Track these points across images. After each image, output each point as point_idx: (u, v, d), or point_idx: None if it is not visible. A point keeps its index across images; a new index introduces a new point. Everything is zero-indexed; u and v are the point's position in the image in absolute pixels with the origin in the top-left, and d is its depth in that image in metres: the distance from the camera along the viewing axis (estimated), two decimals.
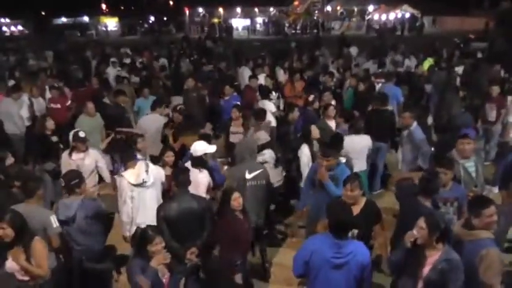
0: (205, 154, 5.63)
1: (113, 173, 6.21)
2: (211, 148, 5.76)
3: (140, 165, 5.28)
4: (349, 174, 5.09)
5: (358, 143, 6.63)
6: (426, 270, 3.64)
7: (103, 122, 8.19)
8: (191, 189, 4.88)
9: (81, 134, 6.29)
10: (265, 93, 9.45)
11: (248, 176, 5.36)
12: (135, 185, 5.15)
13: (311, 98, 8.69)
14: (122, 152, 5.44)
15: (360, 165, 6.67)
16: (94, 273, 4.91)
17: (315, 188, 5.48)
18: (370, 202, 4.53)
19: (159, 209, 4.61)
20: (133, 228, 4.96)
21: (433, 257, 3.64)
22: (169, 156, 5.95)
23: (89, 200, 4.96)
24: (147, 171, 5.22)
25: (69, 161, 6.23)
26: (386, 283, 4.63)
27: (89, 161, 6.32)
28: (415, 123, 6.74)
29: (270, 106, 8.93)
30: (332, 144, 5.96)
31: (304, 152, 6.26)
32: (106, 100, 9.49)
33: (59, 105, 9.56)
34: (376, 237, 4.48)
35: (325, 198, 4.90)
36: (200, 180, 5.47)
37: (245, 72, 12.34)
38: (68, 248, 4.81)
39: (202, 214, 4.64)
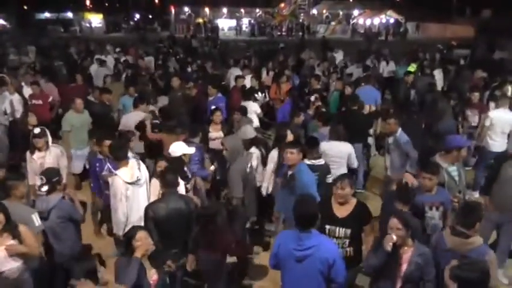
0: (184, 155, 5.58)
1: (101, 171, 6.07)
2: (190, 150, 5.67)
3: (132, 162, 5.24)
4: (311, 177, 5.17)
5: (338, 150, 6.48)
6: (403, 267, 3.76)
7: (90, 119, 8.13)
8: None
9: (36, 131, 6.18)
10: (248, 94, 9.43)
11: (248, 169, 5.50)
12: (129, 183, 5.10)
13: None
14: (116, 148, 5.32)
15: (342, 170, 6.46)
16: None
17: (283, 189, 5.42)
18: (361, 203, 4.54)
19: (147, 209, 4.59)
20: (128, 227, 4.86)
21: (407, 253, 3.77)
22: (162, 166, 5.78)
23: (67, 201, 4.88)
24: (139, 168, 5.19)
25: (31, 159, 6.15)
26: None
27: (51, 159, 6.20)
28: (399, 130, 6.78)
29: (254, 107, 8.94)
30: (308, 144, 5.96)
31: (273, 156, 6.11)
32: (91, 98, 9.38)
33: (40, 101, 9.44)
34: (366, 238, 4.47)
35: (289, 197, 4.92)
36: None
37: (235, 73, 12.31)
38: (50, 245, 4.75)
39: (190, 215, 4.60)
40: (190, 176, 5.66)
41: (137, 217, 5.05)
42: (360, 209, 4.44)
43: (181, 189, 5.22)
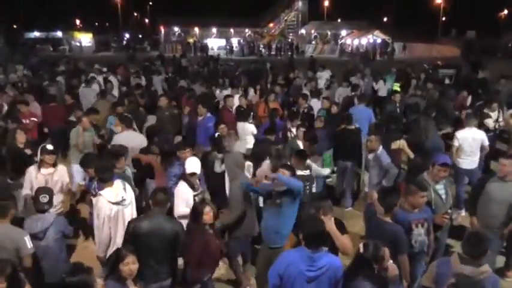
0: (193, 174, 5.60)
1: (88, 190, 6.03)
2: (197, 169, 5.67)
3: (117, 183, 5.18)
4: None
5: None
6: None
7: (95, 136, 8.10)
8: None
9: (49, 147, 6.14)
10: (244, 115, 9.39)
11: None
12: (113, 203, 5.01)
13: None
14: (102, 170, 5.27)
15: None
16: None
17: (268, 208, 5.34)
18: (338, 220, 4.57)
19: (130, 224, 4.53)
20: (113, 249, 4.74)
21: None
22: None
23: (62, 217, 4.87)
24: (124, 189, 5.13)
25: (38, 175, 6.03)
26: None
27: (58, 177, 6.16)
28: (381, 147, 6.93)
29: (250, 128, 8.93)
30: (297, 155, 6.19)
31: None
32: (72, 118, 9.29)
33: (28, 121, 9.35)
34: (346, 248, 4.40)
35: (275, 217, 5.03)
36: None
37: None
38: (40, 268, 4.68)
39: (175, 238, 4.47)
40: (200, 190, 5.68)
41: (122, 238, 4.91)
42: (337, 226, 4.44)
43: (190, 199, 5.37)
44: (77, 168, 7.55)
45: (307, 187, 5.96)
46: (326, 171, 7.04)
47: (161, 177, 6.53)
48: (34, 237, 4.63)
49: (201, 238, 4.52)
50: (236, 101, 11.04)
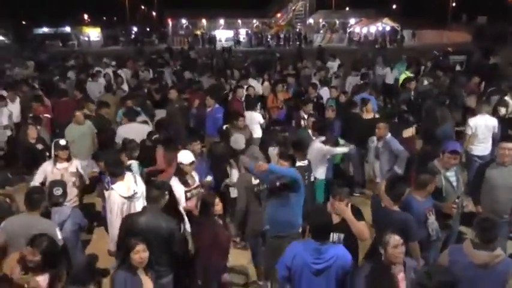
0: (191, 164, 5.54)
1: (101, 184, 6.10)
2: (188, 158, 5.59)
3: (128, 176, 5.22)
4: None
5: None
6: (403, 287, 3.64)
7: (95, 129, 8.17)
8: None
9: (62, 142, 6.19)
10: (251, 104, 9.47)
11: (255, 181, 5.43)
12: (126, 198, 5.06)
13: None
14: (112, 165, 5.32)
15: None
16: None
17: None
18: (355, 207, 4.54)
19: (124, 220, 4.51)
20: None
21: (401, 272, 3.67)
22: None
23: (78, 210, 4.95)
24: (135, 182, 5.17)
25: (54, 170, 6.09)
26: None
27: (73, 170, 6.23)
28: (389, 134, 6.97)
29: (257, 117, 8.96)
30: (296, 147, 6.17)
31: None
32: (86, 111, 9.35)
33: (47, 115, 9.46)
34: (363, 234, 4.38)
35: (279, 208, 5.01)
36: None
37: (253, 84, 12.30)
38: (69, 259, 4.70)
39: (170, 236, 4.36)
40: (194, 185, 5.63)
41: None
42: (353, 212, 4.41)
43: (181, 197, 5.33)
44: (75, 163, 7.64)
45: (306, 177, 5.92)
46: (345, 148, 7.13)
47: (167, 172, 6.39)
48: None
49: (210, 230, 4.54)
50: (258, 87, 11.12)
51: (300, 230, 5.14)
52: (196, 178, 5.75)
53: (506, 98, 9.16)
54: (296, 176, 5.00)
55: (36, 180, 6.03)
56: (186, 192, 5.45)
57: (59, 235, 4.48)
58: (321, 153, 6.82)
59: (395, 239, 3.62)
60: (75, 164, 6.35)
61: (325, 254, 3.62)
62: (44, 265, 3.80)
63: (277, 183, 5.07)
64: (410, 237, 4.25)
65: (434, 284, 3.13)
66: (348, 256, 3.72)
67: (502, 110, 8.56)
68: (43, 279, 3.84)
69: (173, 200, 4.91)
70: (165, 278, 4.40)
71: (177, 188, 5.36)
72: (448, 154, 5.38)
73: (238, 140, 6.40)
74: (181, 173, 5.53)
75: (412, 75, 13.29)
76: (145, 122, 8.56)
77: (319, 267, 3.62)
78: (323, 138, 7.01)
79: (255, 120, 8.89)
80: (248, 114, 8.98)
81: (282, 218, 5.04)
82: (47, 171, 6.10)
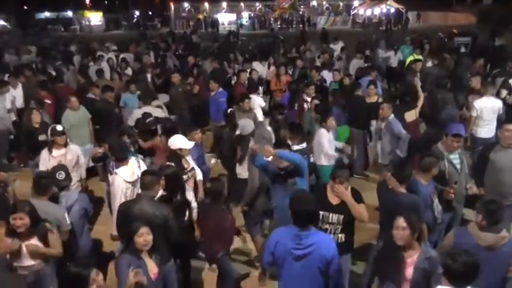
0: (180, 149, 5.51)
1: (106, 169, 6.12)
2: (188, 144, 5.59)
3: (132, 161, 5.23)
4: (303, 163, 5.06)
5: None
6: (409, 271, 3.62)
7: (89, 115, 8.17)
8: None
9: (59, 128, 6.18)
10: (253, 87, 9.45)
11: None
12: (130, 183, 5.07)
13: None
14: (117, 149, 5.33)
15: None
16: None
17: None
18: (354, 190, 4.54)
19: (120, 207, 4.50)
20: None
21: (413, 257, 3.63)
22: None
23: (85, 195, 5.00)
24: (139, 167, 5.18)
25: (50, 157, 6.06)
26: None
27: (71, 156, 6.21)
28: (392, 115, 6.98)
29: (259, 100, 8.94)
30: (292, 130, 6.22)
31: None
32: (91, 95, 9.35)
33: (48, 101, 9.44)
34: (362, 217, 4.39)
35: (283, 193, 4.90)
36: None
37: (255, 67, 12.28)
38: (76, 243, 4.81)
39: (164, 222, 4.30)
40: (188, 169, 5.62)
41: None
42: (353, 195, 4.43)
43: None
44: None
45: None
46: (339, 144, 7.01)
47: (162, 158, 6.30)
48: None
49: (215, 215, 4.59)
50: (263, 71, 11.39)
51: None
52: (191, 161, 5.74)
53: (511, 80, 9.09)
54: (301, 161, 4.99)
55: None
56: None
57: (67, 219, 4.53)
58: (323, 136, 6.76)
59: (398, 220, 3.62)
60: (74, 149, 6.32)
61: (305, 240, 3.55)
62: (32, 227, 4.04)
63: (281, 172, 5.02)
64: (419, 219, 4.24)
65: (459, 265, 3.11)
66: (331, 246, 3.62)
67: (503, 93, 8.50)
68: (35, 240, 4.08)
69: (180, 187, 4.95)
70: (164, 266, 4.31)
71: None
72: (450, 137, 5.34)
73: (246, 125, 6.37)
74: (178, 158, 5.51)
75: (420, 56, 13.17)
76: (159, 107, 8.57)
77: (299, 253, 3.56)
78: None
79: (255, 103, 8.84)
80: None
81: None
82: (45, 160, 6.07)
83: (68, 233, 4.59)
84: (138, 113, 7.83)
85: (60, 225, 4.46)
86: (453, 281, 3.15)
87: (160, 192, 4.71)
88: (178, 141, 5.54)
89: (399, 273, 3.64)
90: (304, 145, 6.15)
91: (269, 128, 6.95)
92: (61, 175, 4.96)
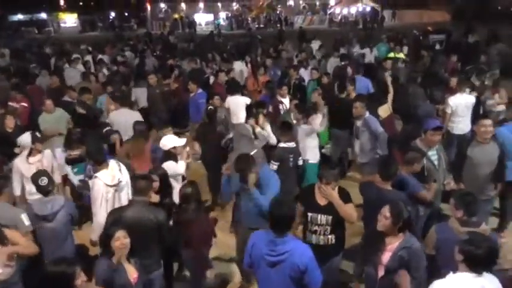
0: (175, 147, 5.60)
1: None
2: (181, 141, 5.71)
3: (113, 164, 5.14)
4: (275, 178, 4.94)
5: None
6: (386, 257, 3.75)
7: (68, 115, 8.01)
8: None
9: (38, 134, 6.14)
10: (234, 88, 9.30)
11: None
12: (111, 186, 4.97)
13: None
14: (94, 152, 5.25)
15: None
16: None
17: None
18: (342, 189, 4.51)
19: (110, 215, 4.39)
20: None
21: (393, 244, 3.74)
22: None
23: (71, 202, 4.94)
24: (120, 170, 5.10)
25: (26, 165, 5.89)
26: None
27: (47, 162, 6.09)
28: (367, 113, 6.93)
29: (243, 100, 8.83)
30: (281, 127, 6.23)
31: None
32: (67, 98, 9.16)
33: (25, 104, 9.21)
34: (350, 217, 4.38)
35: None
36: (179, 170, 5.54)
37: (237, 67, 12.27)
38: (40, 246, 4.63)
39: (158, 227, 4.25)
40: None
41: None
42: (341, 195, 4.40)
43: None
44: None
45: (291, 159, 6.05)
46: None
47: (144, 161, 6.23)
48: (43, 219, 4.62)
49: (195, 219, 4.50)
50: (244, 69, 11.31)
51: None
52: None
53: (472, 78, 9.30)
54: (263, 206, 4.49)
55: (16, 184, 5.87)
56: None
57: (26, 221, 4.41)
58: (304, 133, 6.81)
59: (384, 209, 3.75)
60: (48, 155, 6.21)
61: (280, 247, 3.47)
62: None
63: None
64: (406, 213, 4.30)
65: (484, 250, 3.17)
66: (305, 255, 3.49)
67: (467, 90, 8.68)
68: None
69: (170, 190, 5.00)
70: (152, 274, 4.29)
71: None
72: (431, 131, 5.39)
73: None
74: (173, 157, 5.56)
75: (401, 54, 13.32)
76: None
77: (272, 259, 3.50)
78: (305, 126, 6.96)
79: (240, 104, 8.63)
80: (233, 99, 8.79)
81: (254, 212, 4.74)
82: (21, 169, 5.90)
83: (30, 234, 4.46)
84: (115, 115, 7.74)
85: (18, 227, 4.34)
86: (474, 267, 3.22)
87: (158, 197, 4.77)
88: (170, 141, 5.63)
89: (378, 258, 3.79)
90: (292, 144, 6.14)
91: (248, 125, 6.91)
92: (43, 181, 4.77)
